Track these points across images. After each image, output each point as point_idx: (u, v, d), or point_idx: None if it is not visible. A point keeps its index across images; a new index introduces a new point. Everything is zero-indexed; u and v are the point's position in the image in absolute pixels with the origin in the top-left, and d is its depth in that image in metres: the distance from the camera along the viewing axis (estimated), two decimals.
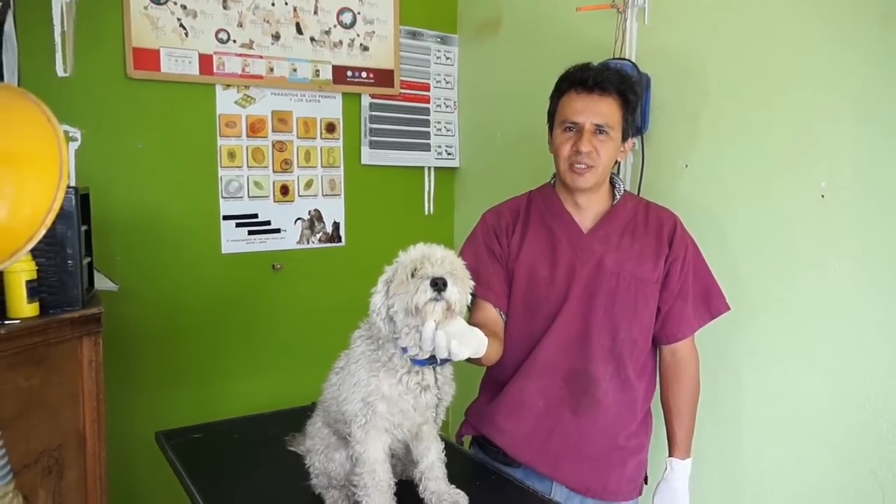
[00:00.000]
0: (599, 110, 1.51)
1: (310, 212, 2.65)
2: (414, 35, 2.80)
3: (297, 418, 1.65)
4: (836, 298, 1.60)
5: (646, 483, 1.71)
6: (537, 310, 1.60)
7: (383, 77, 2.73)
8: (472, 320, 1.55)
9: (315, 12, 2.55)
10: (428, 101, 2.88)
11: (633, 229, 1.59)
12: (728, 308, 1.64)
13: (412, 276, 1.20)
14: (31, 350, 1.63)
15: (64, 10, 2.12)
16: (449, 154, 2.95)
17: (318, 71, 2.58)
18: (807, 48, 1.62)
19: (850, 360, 1.58)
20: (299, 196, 2.62)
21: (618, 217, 1.60)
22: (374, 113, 2.74)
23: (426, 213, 2.95)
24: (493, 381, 1.69)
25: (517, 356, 1.61)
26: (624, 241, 1.57)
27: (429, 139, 2.89)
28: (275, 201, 2.57)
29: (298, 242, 2.64)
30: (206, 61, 2.37)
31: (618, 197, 1.62)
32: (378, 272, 1.28)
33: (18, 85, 1.92)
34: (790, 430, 1.71)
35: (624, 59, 1.99)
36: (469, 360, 1.29)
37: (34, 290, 1.64)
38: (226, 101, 2.44)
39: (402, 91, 2.79)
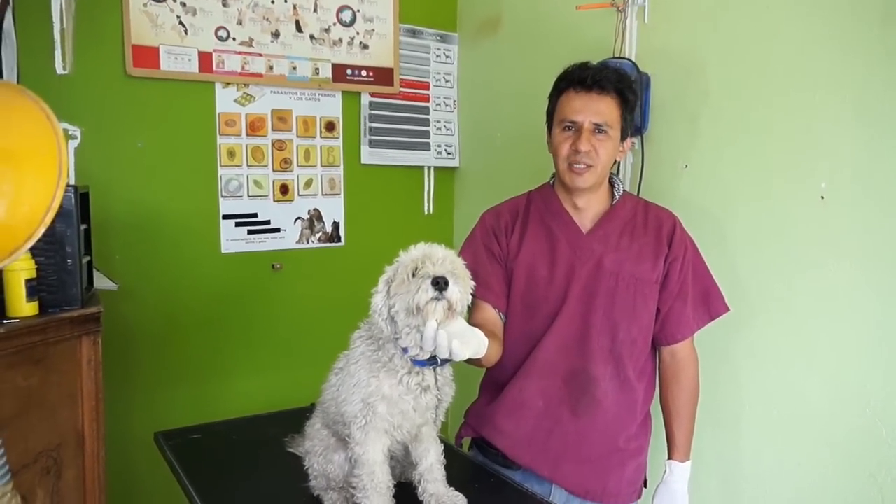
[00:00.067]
0: (598, 109, 1.50)
1: (309, 211, 2.65)
2: (414, 33, 2.80)
3: (296, 419, 1.65)
4: (836, 300, 1.60)
5: (645, 486, 1.70)
6: (536, 310, 1.59)
7: (383, 75, 2.73)
8: (471, 321, 1.54)
9: (315, 10, 2.54)
10: (428, 100, 2.87)
11: (633, 229, 1.59)
12: (727, 309, 1.63)
13: (413, 275, 1.20)
14: (30, 349, 1.62)
15: (63, 8, 2.11)
16: (449, 153, 2.94)
17: (317, 69, 2.57)
18: (807, 48, 1.62)
19: (850, 363, 1.58)
20: (299, 195, 2.62)
21: (617, 217, 1.59)
22: (373, 112, 2.73)
23: (426, 212, 2.94)
24: (493, 382, 1.69)
25: (517, 356, 1.61)
26: (623, 241, 1.57)
27: (428, 138, 2.89)
28: (274, 200, 2.57)
29: (298, 242, 2.64)
30: (205, 59, 2.36)
31: (617, 197, 1.62)
32: (377, 272, 1.28)
33: (18, 82, 1.92)
34: (789, 433, 1.71)
35: (624, 58, 1.99)
36: (469, 360, 1.29)
37: (33, 288, 1.64)
38: (225, 100, 2.44)
39: (402, 90, 2.79)
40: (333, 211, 2.70)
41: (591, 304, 1.55)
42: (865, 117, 1.52)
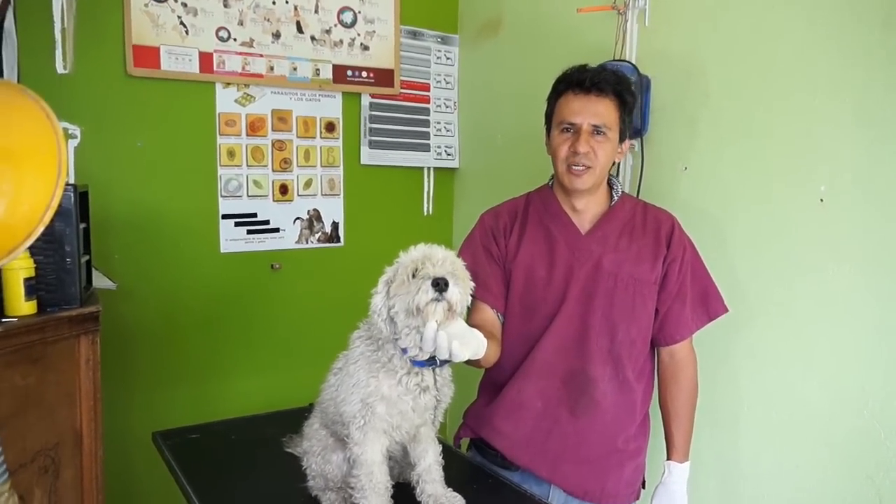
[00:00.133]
0: (596, 111, 1.51)
1: (309, 211, 2.65)
2: (414, 35, 2.80)
3: (295, 419, 1.65)
4: (835, 303, 1.60)
5: (643, 487, 1.70)
6: (535, 310, 1.60)
7: (383, 77, 2.73)
8: (469, 321, 1.54)
9: (316, 11, 2.55)
10: (428, 102, 2.87)
11: (631, 230, 1.59)
12: (726, 310, 1.64)
13: (413, 276, 1.20)
14: (29, 348, 1.62)
15: (64, 7, 2.12)
16: (448, 154, 2.95)
17: (318, 70, 2.58)
18: (807, 52, 1.62)
19: (849, 365, 1.58)
20: (298, 195, 2.62)
21: (616, 218, 1.60)
22: (373, 113, 2.73)
23: (425, 213, 2.94)
24: (492, 382, 1.69)
25: (515, 357, 1.61)
26: (622, 242, 1.57)
27: (428, 139, 2.89)
28: (274, 200, 2.57)
29: (297, 242, 2.63)
30: (206, 59, 2.36)
31: (615, 198, 1.62)
32: (377, 272, 1.28)
33: (18, 81, 1.92)
34: (788, 434, 1.71)
35: (624, 60, 1.99)
36: (468, 361, 1.29)
37: (32, 287, 1.63)
38: (226, 100, 2.44)
39: (403, 91, 2.79)
40: (333, 211, 2.70)
41: (589, 304, 1.56)
42: (865, 121, 1.52)
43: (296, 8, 2.50)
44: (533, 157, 2.04)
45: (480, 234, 1.67)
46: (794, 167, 1.66)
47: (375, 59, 2.70)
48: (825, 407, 1.63)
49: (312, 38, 2.55)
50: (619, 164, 2.06)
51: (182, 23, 2.31)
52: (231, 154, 2.46)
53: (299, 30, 2.52)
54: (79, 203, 1.75)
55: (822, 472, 1.64)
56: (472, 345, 1.24)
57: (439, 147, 2.92)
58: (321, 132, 2.64)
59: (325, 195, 2.68)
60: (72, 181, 2.02)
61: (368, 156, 2.74)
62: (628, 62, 1.97)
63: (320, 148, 2.64)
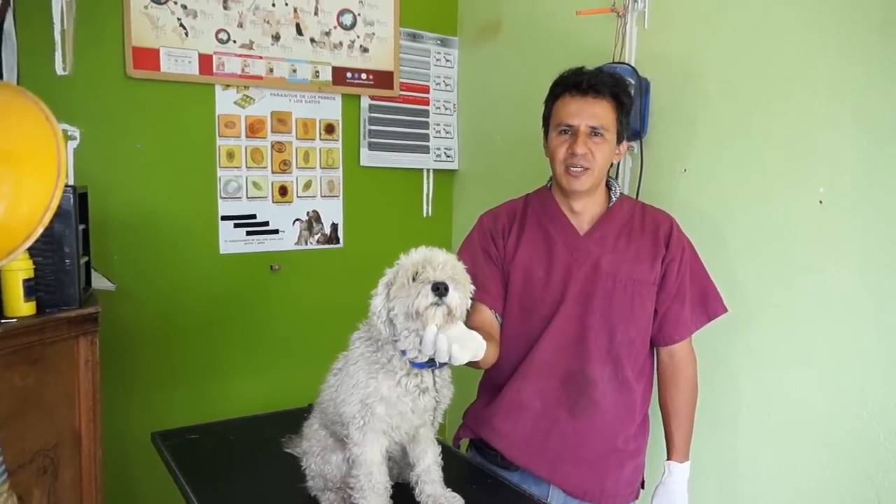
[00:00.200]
0: (594, 112, 1.52)
1: (308, 213, 2.65)
2: (414, 37, 2.80)
3: (294, 420, 1.65)
4: (834, 304, 1.60)
5: (643, 488, 1.70)
6: (533, 311, 1.60)
7: (383, 79, 2.73)
8: (468, 323, 1.54)
9: (315, 13, 2.55)
10: (427, 104, 2.88)
11: (630, 231, 1.59)
12: (725, 310, 1.64)
13: (413, 279, 1.20)
14: (28, 349, 1.62)
15: (64, 9, 2.12)
16: (448, 156, 2.95)
17: (317, 72, 2.58)
18: (807, 54, 1.63)
19: (848, 366, 1.58)
20: (298, 197, 2.62)
21: (614, 219, 1.60)
22: (373, 114, 2.74)
23: (425, 215, 2.95)
24: (491, 383, 1.69)
25: (514, 358, 1.61)
26: (620, 242, 1.58)
27: (428, 141, 2.89)
28: (273, 202, 2.57)
29: (297, 243, 2.64)
30: (205, 61, 2.37)
31: (613, 199, 1.62)
32: (376, 274, 1.28)
33: (17, 83, 1.92)
34: (787, 435, 1.71)
35: (623, 63, 1.99)
36: (467, 363, 1.29)
37: (31, 288, 1.63)
38: (225, 102, 2.44)
39: (402, 93, 2.80)
40: (332, 213, 2.71)
41: (588, 305, 1.56)
42: (865, 123, 1.52)
43: (295, 10, 2.51)
44: (532, 158, 2.04)
45: (479, 235, 1.67)
46: (794, 169, 1.66)
47: (375, 61, 2.70)
48: (824, 407, 1.63)
49: (312, 41, 2.56)
50: (618, 165, 2.06)
51: (182, 25, 2.31)
52: (230, 156, 2.46)
53: (299, 32, 2.53)
54: (78, 204, 1.75)
55: (821, 472, 1.64)
56: (471, 347, 1.24)
57: (439, 149, 2.92)
58: (321, 134, 2.64)
59: (325, 197, 2.68)
60: (71, 182, 2.02)
61: (368, 157, 2.75)
62: (628, 65, 1.98)
63: (320, 150, 2.65)
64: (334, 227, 2.72)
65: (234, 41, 2.41)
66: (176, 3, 2.29)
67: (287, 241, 2.61)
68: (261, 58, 2.46)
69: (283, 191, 2.58)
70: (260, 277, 2.56)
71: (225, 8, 2.38)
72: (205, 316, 2.46)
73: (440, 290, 1.16)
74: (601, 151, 1.52)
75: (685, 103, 1.91)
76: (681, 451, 1.62)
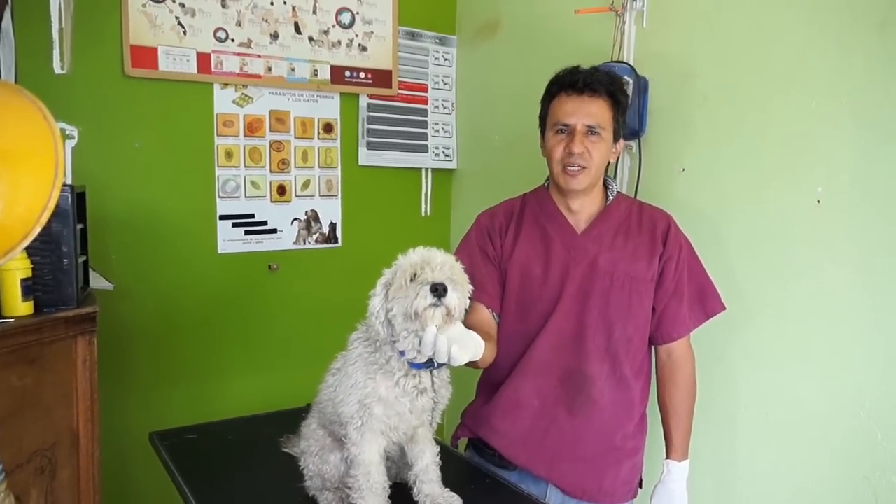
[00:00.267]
0: (590, 111, 1.52)
1: (307, 212, 2.65)
2: (412, 36, 2.80)
3: (292, 420, 1.65)
4: (832, 302, 1.60)
5: (640, 486, 1.71)
6: (531, 309, 1.60)
7: (381, 77, 2.73)
8: (465, 322, 1.54)
9: (314, 12, 2.55)
10: (426, 103, 2.87)
11: (627, 229, 1.60)
12: (723, 308, 1.64)
13: (412, 280, 1.19)
14: (25, 349, 1.61)
15: (62, 7, 2.11)
16: (446, 155, 2.95)
17: (316, 71, 2.58)
18: (805, 53, 1.63)
19: (845, 365, 1.58)
20: (296, 196, 2.61)
21: (611, 217, 1.60)
22: (371, 113, 2.73)
23: (423, 214, 2.95)
24: (490, 382, 1.69)
25: (512, 356, 1.61)
26: (618, 240, 1.58)
27: (426, 140, 2.89)
28: (272, 201, 2.56)
29: (295, 243, 2.63)
30: (204, 60, 2.36)
31: (611, 198, 1.62)
32: (374, 273, 1.28)
33: (15, 82, 1.92)
34: (784, 435, 1.72)
35: (622, 62, 1.99)
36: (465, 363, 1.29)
37: (29, 288, 1.63)
38: (223, 101, 2.44)
39: (401, 92, 2.79)
40: (331, 212, 2.70)
41: (585, 303, 1.56)
42: (863, 122, 1.52)
43: (294, 9, 2.50)
44: (531, 158, 2.03)
45: (476, 234, 1.68)
46: (791, 168, 1.66)
47: (373, 59, 2.70)
48: (821, 407, 1.63)
49: (310, 39, 2.55)
50: (616, 164, 2.06)
51: (180, 23, 2.31)
52: (229, 155, 2.46)
53: (297, 31, 2.52)
54: (76, 204, 1.74)
55: (818, 471, 1.64)
56: (470, 348, 1.24)
57: (437, 148, 2.92)
58: (319, 133, 2.64)
59: (323, 196, 2.68)
60: (69, 182, 2.02)
61: (366, 157, 2.74)
62: (626, 63, 1.98)
63: (318, 149, 2.64)
64: (332, 226, 2.71)
65: (233, 40, 2.40)
66: (174, 1, 2.29)
67: (285, 240, 2.61)
68: (259, 56, 2.46)
69: (282, 190, 2.58)
70: (258, 277, 2.56)
71: (223, 6, 2.37)
72: (203, 315, 2.46)
73: (439, 291, 1.16)
74: (598, 150, 1.53)
75: (683, 102, 1.91)
76: (679, 449, 1.62)
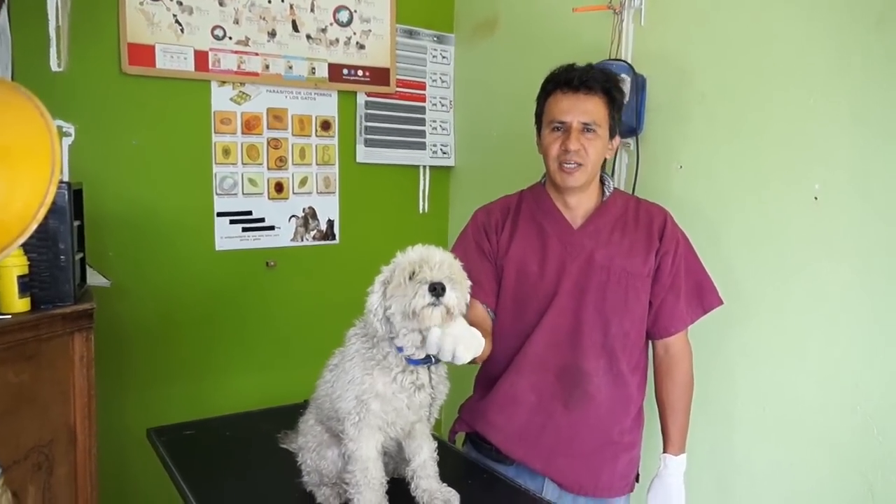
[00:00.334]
0: (586, 109, 1.52)
1: (304, 209, 2.65)
2: (410, 34, 2.80)
3: (290, 415, 1.65)
4: (829, 299, 1.60)
5: (637, 481, 1.71)
6: (527, 305, 1.60)
7: (379, 75, 2.73)
8: None
9: (311, 10, 2.54)
10: (424, 100, 2.88)
11: (624, 225, 1.60)
12: (721, 302, 1.64)
13: (410, 278, 1.19)
14: (22, 345, 1.61)
15: (59, 5, 2.11)
16: (444, 153, 2.95)
17: (313, 68, 2.58)
18: (802, 51, 1.63)
19: (843, 363, 1.59)
20: (294, 193, 2.61)
21: (608, 213, 1.61)
22: (369, 111, 2.73)
23: (421, 211, 2.95)
24: (487, 377, 1.70)
25: (509, 352, 1.62)
26: (614, 236, 1.58)
27: (424, 138, 2.89)
28: (269, 198, 2.56)
29: (292, 240, 2.63)
30: (201, 58, 2.36)
31: (607, 194, 1.63)
32: (372, 270, 1.28)
33: (12, 79, 1.91)
34: (782, 431, 1.72)
35: (620, 60, 2.00)
36: None
37: (25, 284, 1.63)
38: (221, 98, 2.43)
39: (398, 89, 2.79)
40: (328, 209, 2.70)
41: (582, 299, 1.56)
42: (861, 119, 1.53)
43: (291, 6, 2.50)
44: (528, 155, 2.03)
45: (473, 230, 1.68)
46: (789, 165, 1.66)
47: (371, 57, 2.70)
48: (819, 404, 1.64)
49: (308, 37, 2.55)
50: (613, 161, 2.07)
51: (177, 21, 2.30)
52: (226, 152, 2.46)
53: (295, 28, 2.52)
54: (73, 200, 1.74)
55: (815, 468, 1.65)
56: (473, 346, 1.24)
57: (435, 145, 2.92)
58: (317, 130, 2.64)
59: (321, 193, 2.68)
60: (66, 179, 2.02)
61: (364, 154, 2.74)
62: (624, 61, 1.98)
63: (316, 146, 2.64)
64: (330, 223, 2.72)
65: (230, 38, 2.40)
66: None
67: (283, 237, 2.61)
68: (257, 54, 2.46)
69: (279, 187, 2.58)
70: (256, 274, 2.56)
71: (220, 4, 2.37)
72: (200, 312, 2.46)
73: (437, 290, 1.16)
74: (594, 147, 1.53)
75: (681, 100, 1.92)
76: (676, 444, 1.63)
